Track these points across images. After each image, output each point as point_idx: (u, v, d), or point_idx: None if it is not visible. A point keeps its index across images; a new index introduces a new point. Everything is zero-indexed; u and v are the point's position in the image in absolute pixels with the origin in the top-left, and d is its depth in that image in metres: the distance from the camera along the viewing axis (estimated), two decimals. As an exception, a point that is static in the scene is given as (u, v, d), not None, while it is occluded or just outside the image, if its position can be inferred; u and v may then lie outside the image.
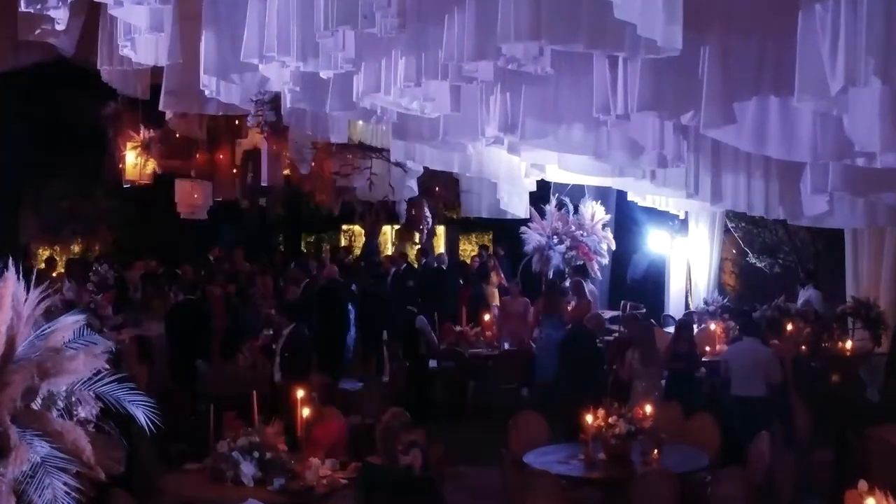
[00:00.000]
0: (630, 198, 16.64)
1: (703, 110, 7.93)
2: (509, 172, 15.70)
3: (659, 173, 12.08)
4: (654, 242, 19.75)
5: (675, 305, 19.16)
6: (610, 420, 8.84)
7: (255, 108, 14.56)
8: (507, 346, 15.47)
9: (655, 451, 8.87)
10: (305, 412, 8.47)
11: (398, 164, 16.99)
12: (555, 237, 17.53)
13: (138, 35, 11.71)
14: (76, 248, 23.81)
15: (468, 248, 25.88)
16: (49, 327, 5.21)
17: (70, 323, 5.30)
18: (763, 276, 18.61)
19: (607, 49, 7.38)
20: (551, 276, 17.47)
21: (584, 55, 8.95)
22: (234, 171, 19.11)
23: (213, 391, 11.45)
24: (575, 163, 13.43)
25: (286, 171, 16.94)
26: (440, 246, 24.00)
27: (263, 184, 14.91)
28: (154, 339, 13.49)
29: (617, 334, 14.26)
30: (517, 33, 7.22)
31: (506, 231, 23.78)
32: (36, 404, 5.03)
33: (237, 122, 17.53)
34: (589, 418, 8.92)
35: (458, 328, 15.63)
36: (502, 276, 19.53)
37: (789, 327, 14.05)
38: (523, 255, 18.25)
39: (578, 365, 11.77)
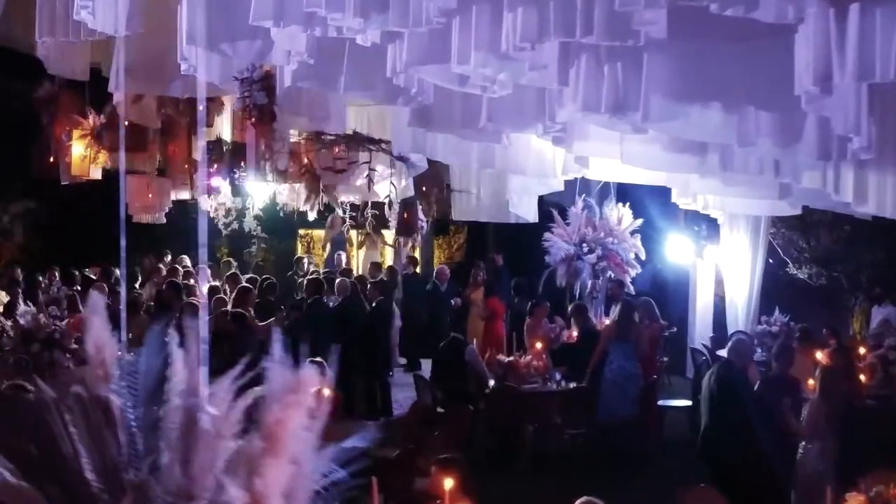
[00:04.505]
0: (674, 199, 14.25)
1: None
2: (539, 167, 13.30)
3: (786, 167, 9.79)
4: (673, 250, 17.36)
5: (701, 322, 16.85)
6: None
7: (241, 89, 11.95)
8: (558, 377, 12.84)
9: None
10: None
11: (401, 159, 14.40)
12: (584, 245, 15.06)
13: (107, -8, 9.19)
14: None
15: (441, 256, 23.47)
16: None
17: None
18: (804, 289, 16.41)
19: None
20: (578, 290, 15.09)
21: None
22: (186, 165, 16.27)
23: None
24: (641, 155, 11.19)
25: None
26: (415, 253, 21.35)
27: (249, 180, 12.26)
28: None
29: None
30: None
31: (484, 234, 21.51)
32: None
33: (201, 107, 14.70)
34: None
35: (505, 358, 12.96)
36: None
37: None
38: (545, 265, 15.77)
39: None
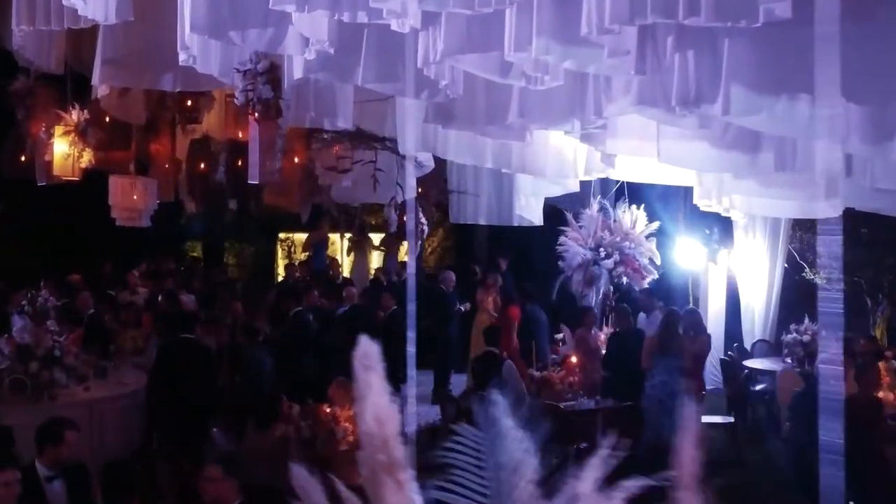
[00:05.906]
0: (696, 200, 13.46)
1: None
2: (559, 167, 12.51)
3: (857, 166, 9.11)
4: (682, 254, 16.58)
5: (714, 331, 16.08)
6: None
7: (243, 82, 11.06)
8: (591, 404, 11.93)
9: None
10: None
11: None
12: (601, 250, 14.25)
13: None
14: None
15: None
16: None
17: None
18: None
19: None
20: (607, 298, 14.27)
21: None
22: (167, 165, 15.29)
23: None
24: (682, 153, 10.38)
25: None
26: (401, 256, 20.51)
27: (252, 181, 11.33)
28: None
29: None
30: None
31: (471, 237, 20.76)
32: None
33: (189, 102, 13.77)
34: None
35: (537, 373, 12.09)
36: (496, 298, 16.19)
37: None
38: (544, 269, 14.99)
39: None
